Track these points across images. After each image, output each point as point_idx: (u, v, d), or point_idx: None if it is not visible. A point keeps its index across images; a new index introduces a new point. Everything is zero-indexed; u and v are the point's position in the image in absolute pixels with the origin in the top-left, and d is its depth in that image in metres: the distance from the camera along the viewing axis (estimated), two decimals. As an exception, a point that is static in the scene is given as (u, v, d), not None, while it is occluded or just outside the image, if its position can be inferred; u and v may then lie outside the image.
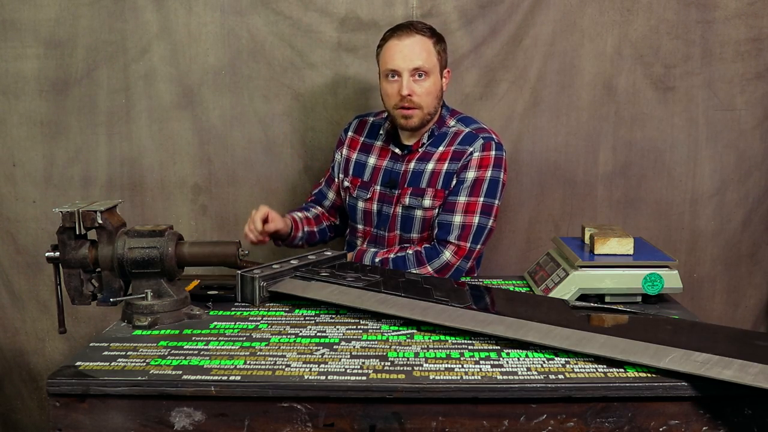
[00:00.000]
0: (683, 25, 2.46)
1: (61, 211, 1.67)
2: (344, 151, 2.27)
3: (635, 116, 2.52)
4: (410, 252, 2.08)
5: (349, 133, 2.28)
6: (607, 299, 1.86)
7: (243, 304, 1.83)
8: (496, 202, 2.09)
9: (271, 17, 2.46)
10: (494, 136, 2.11)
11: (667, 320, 1.69)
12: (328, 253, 2.04)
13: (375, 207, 2.18)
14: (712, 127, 2.52)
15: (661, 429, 1.36)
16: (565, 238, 2.11)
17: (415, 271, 2.03)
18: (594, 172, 2.55)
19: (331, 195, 2.32)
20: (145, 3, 2.44)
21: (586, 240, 2.02)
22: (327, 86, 2.50)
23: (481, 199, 2.06)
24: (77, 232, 1.67)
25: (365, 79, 2.48)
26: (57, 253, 1.70)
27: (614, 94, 2.50)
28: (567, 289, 1.85)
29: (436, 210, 2.10)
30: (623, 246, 1.91)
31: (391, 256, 2.09)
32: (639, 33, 2.47)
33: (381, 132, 2.21)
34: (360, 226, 2.24)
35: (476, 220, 2.05)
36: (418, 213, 2.12)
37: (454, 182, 2.08)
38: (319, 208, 2.34)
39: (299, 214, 2.26)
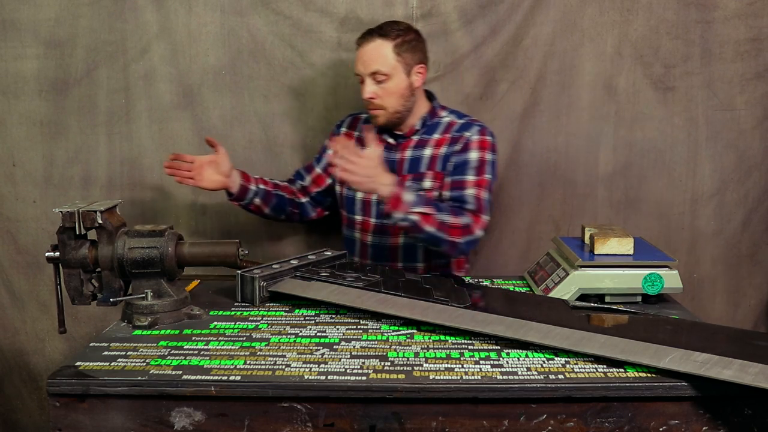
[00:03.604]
0: (683, 25, 2.46)
1: (61, 211, 1.67)
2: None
3: (635, 116, 2.52)
4: (443, 203, 2.09)
5: (343, 129, 2.34)
6: (607, 299, 1.86)
7: (243, 304, 1.83)
8: (493, 184, 2.16)
9: (271, 17, 2.46)
10: (487, 126, 2.21)
11: (667, 320, 1.69)
12: (328, 253, 2.04)
13: (374, 196, 2.17)
14: (712, 127, 2.52)
15: (661, 429, 1.36)
16: (565, 238, 2.11)
17: (449, 219, 1.99)
18: (594, 172, 2.55)
19: (307, 178, 2.35)
20: (145, 3, 2.44)
21: (586, 240, 2.02)
22: (327, 86, 2.50)
23: (487, 176, 2.13)
24: (77, 232, 1.67)
25: (365, 79, 2.48)
26: (57, 253, 1.70)
27: (614, 94, 2.50)
28: (567, 289, 1.85)
29: (436, 192, 2.15)
30: (623, 246, 1.91)
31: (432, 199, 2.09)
32: (639, 33, 2.47)
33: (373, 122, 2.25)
34: (359, 217, 2.25)
35: (484, 194, 2.11)
36: None
37: (452, 162, 2.15)
38: (286, 184, 2.36)
39: (255, 176, 2.28)
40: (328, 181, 2.34)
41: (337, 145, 1.93)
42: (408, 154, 2.20)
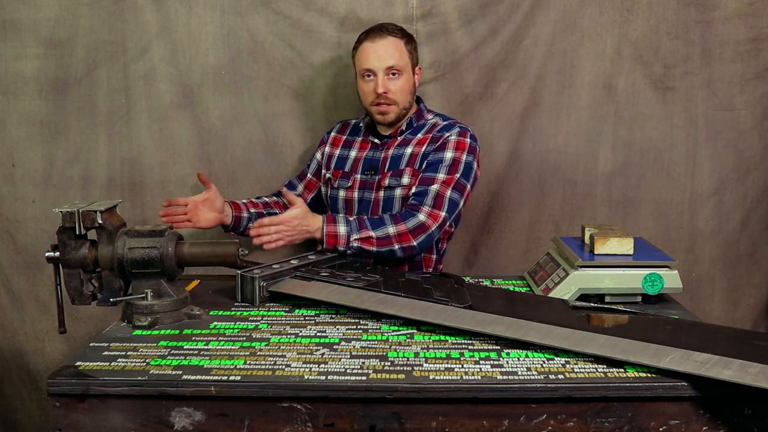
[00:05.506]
0: (683, 25, 2.46)
1: (61, 211, 1.67)
2: (326, 149, 2.37)
3: (635, 116, 2.52)
4: (386, 214, 2.13)
5: (332, 134, 2.39)
6: (607, 299, 1.86)
7: (243, 304, 1.83)
8: (468, 185, 2.17)
9: (271, 17, 2.46)
10: (470, 129, 2.23)
11: (667, 320, 1.69)
12: (328, 253, 2.04)
13: (356, 195, 2.25)
14: (712, 127, 2.52)
15: (661, 429, 1.37)
16: (565, 238, 2.11)
17: (391, 230, 2.04)
18: (594, 172, 2.55)
19: (300, 187, 2.40)
20: (145, 3, 2.44)
21: (586, 240, 2.02)
22: (327, 86, 2.51)
23: (458, 175, 2.14)
24: (77, 232, 1.67)
25: (365, 79, 2.48)
26: (57, 253, 1.70)
27: (614, 94, 2.50)
28: (567, 289, 1.85)
29: (414, 188, 2.16)
30: (623, 246, 1.91)
31: (365, 217, 2.13)
32: (639, 33, 2.47)
33: (361, 125, 2.33)
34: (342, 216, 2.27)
35: (449, 193, 2.12)
36: (398, 192, 2.19)
37: (428, 159, 2.17)
38: (275, 199, 2.38)
39: (243, 200, 2.32)
40: (319, 184, 2.38)
41: (254, 230, 1.97)
42: (391, 152, 2.23)
